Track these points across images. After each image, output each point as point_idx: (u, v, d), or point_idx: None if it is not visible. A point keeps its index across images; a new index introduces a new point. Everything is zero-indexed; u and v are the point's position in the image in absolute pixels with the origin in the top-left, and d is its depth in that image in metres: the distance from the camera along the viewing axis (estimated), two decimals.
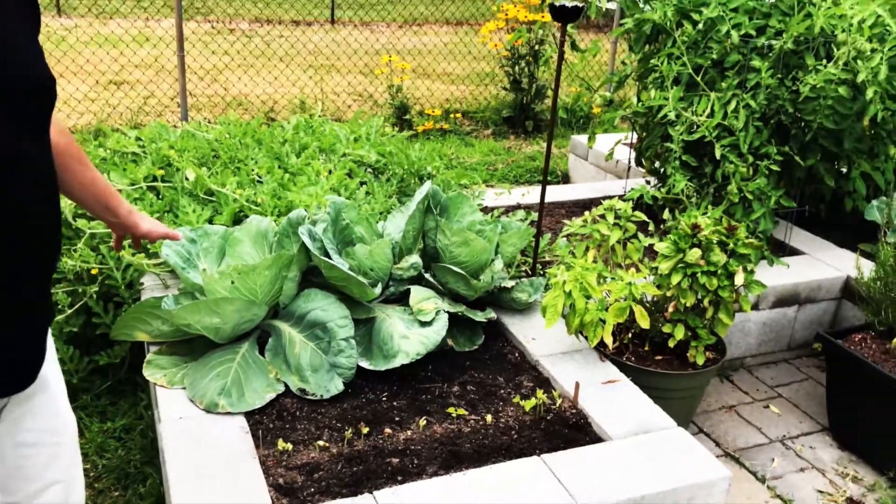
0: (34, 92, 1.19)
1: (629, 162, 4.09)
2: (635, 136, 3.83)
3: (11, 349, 1.24)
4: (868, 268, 3.13)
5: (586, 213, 2.70)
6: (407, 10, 11.09)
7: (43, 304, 1.30)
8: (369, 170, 3.63)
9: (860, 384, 2.66)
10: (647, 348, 2.59)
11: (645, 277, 2.52)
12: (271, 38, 9.44)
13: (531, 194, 3.93)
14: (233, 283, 2.26)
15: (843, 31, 2.86)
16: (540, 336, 2.64)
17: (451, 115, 6.20)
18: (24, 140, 1.17)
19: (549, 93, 6.32)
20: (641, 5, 3.46)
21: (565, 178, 5.08)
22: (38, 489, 1.38)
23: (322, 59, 8.18)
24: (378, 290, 2.46)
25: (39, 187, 1.23)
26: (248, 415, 2.19)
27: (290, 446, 2.05)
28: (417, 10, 11.36)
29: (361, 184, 3.39)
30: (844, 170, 3.51)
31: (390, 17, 10.92)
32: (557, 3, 2.62)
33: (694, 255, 2.35)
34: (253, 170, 3.19)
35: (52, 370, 1.40)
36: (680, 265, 2.38)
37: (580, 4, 2.67)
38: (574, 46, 3.54)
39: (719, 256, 2.35)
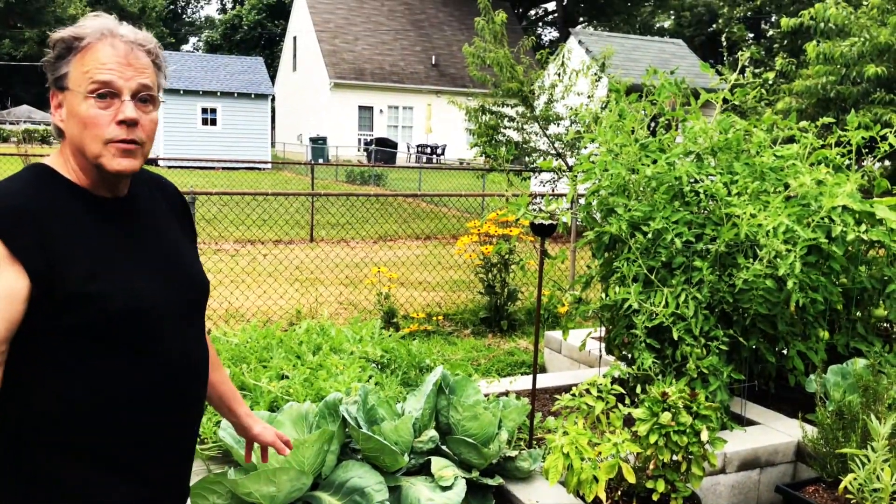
0: (203, 296, 1.71)
1: (600, 352, 4.66)
2: (603, 330, 4.43)
3: (185, 476, 1.69)
4: (813, 433, 3.63)
5: (573, 390, 3.21)
6: (381, 228, 12.10)
7: (194, 445, 1.74)
8: (373, 364, 4.14)
9: None
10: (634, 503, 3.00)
11: (627, 440, 2.99)
12: (256, 256, 10.21)
13: (517, 382, 4.43)
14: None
15: (763, 236, 3.58)
16: (542, 499, 3.05)
17: (434, 318, 6.82)
18: (201, 332, 1.68)
19: (521, 295, 7.03)
20: (599, 221, 4.20)
21: (542, 370, 5.62)
22: None
23: (306, 273, 8.89)
24: (406, 458, 2.88)
25: (206, 364, 1.71)
26: None
27: None
28: (388, 228, 12.39)
29: (369, 377, 3.87)
30: (785, 351, 4.12)
31: (365, 234, 11.88)
32: (537, 222, 3.31)
33: (666, 417, 2.86)
34: (282, 367, 3.67)
35: None
36: (655, 427, 2.88)
37: (554, 223, 3.37)
38: (546, 254, 4.22)
39: (686, 418, 2.86)
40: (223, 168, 25.87)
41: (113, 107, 1.46)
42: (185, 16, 69.00)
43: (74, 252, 1.43)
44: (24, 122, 41.24)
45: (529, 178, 15.18)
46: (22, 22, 48.96)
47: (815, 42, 10.44)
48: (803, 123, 4.49)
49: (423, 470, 3.01)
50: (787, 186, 3.95)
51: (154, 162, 25.85)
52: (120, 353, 1.46)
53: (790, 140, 4.74)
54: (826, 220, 3.67)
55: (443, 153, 30.25)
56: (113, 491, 1.49)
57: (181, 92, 27.62)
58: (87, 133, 1.46)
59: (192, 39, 68.87)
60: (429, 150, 29.93)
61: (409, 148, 31.66)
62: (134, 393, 1.48)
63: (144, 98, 1.50)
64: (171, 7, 66.07)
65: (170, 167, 25.20)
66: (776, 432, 3.86)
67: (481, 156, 13.89)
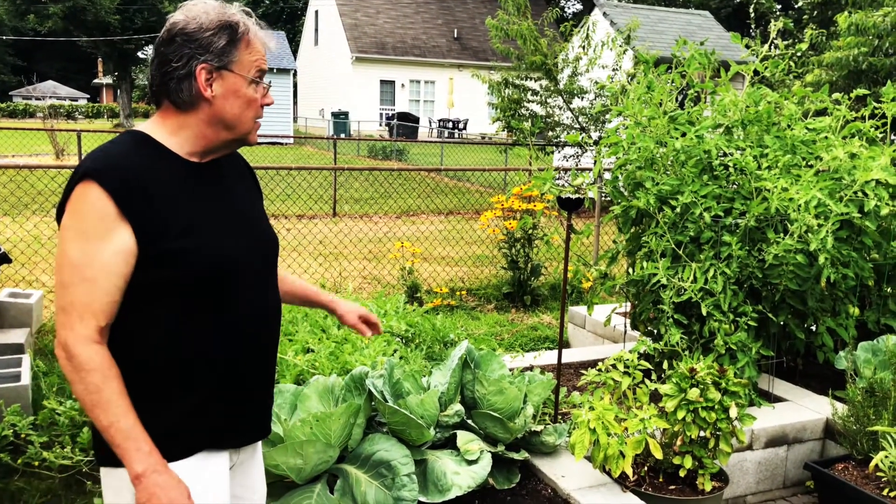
0: (275, 251, 1.83)
1: (625, 327, 4.63)
2: (628, 305, 4.40)
3: (268, 408, 1.81)
4: (843, 410, 3.59)
5: (599, 365, 3.19)
6: (403, 203, 12.08)
7: (274, 379, 1.85)
8: (398, 338, 4.14)
9: None
10: (661, 479, 2.99)
11: (654, 416, 2.97)
12: (280, 230, 10.24)
13: (541, 358, 4.42)
14: (311, 428, 2.68)
15: (794, 210, 3.51)
16: (568, 474, 3.04)
17: (457, 293, 6.81)
18: (273, 281, 1.79)
19: (544, 270, 6.99)
20: (626, 195, 4.15)
21: (566, 345, 5.60)
22: None
23: (329, 247, 8.90)
24: (432, 432, 2.89)
25: (280, 310, 1.83)
26: None
27: None
28: (411, 203, 12.36)
29: (394, 351, 3.88)
30: (814, 327, 4.06)
31: (387, 209, 11.87)
32: (563, 196, 3.27)
33: (694, 393, 2.83)
34: (307, 341, 3.68)
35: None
36: (683, 402, 2.85)
37: (581, 197, 3.33)
38: (572, 229, 4.18)
39: (715, 394, 2.83)
40: None
41: (260, 91, 1.68)
42: None
43: (171, 211, 1.56)
44: (50, 97, 41.58)
45: (552, 152, 15.05)
46: None
47: (846, 12, 10.19)
48: (836, 95, 4.39)
49: (449, 444, 3.01)
50: (819, 160, 3.87)
51: None
52: (206, 306, 1.58)
53: (821, 113, 4.64)
54: (859, 194, 3.59)
55: (465, 128, 30.07)
56: (202, 422, 1.64)
57: None
58: (249, 112, 1.66)
59: None
60: (451, 124, 29.76)
61: (430, 122, 31.50)
62: (218, 345, 1.60)
63: None
64: None
65: None
66: (804, 409, 3.82)
67: (504, 130, 13.77)
